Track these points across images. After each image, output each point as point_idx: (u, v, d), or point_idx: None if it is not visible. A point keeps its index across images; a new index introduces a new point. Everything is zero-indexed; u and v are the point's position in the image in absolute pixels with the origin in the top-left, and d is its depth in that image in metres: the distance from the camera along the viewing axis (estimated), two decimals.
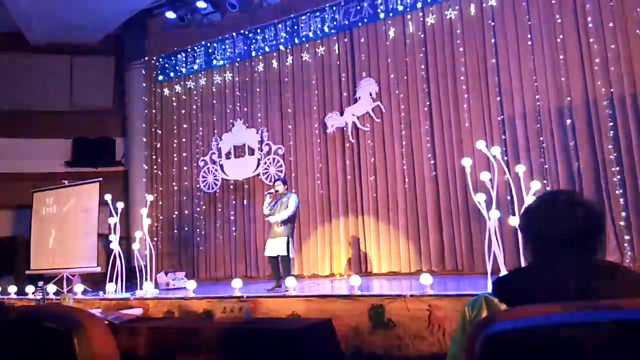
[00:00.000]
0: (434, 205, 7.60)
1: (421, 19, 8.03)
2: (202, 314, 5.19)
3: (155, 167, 10.54)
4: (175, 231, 10.11)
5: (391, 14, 8.23)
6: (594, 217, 1.38)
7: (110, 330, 1.36)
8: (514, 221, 5.08)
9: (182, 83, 10.52)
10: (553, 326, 0.93)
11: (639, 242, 6.13)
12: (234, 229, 9.47)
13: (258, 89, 9.58)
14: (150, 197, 8.37)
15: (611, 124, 6.45)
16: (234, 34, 9.79)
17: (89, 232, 8.83)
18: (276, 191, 6.50)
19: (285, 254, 6.15)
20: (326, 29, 8.82)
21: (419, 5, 7.98)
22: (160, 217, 10.26)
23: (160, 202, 10.29)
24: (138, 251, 7.16)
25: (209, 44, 10.10)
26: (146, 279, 6.70)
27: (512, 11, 7.30)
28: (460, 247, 7.29)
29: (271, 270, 6.52)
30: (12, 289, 7.32)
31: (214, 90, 10.11)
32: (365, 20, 8.45)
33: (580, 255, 1.33)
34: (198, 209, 9.94)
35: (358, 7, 8.52)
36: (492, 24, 7.45)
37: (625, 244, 6.20)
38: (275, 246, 6.24)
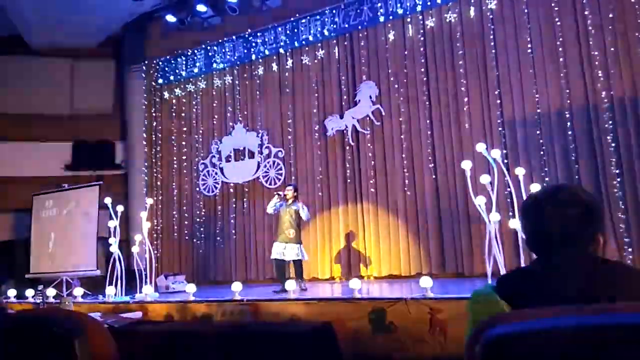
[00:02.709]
0: (434, 208, 7.60)
1: (421, 22, 8.04)
2: (202, 317, 5.18)
3: (155, 170, 10.53)
4: (175, 235, 10.09)
5: (391, 17, 8.24)
6: (589, 215, 1.36)
7: (110, 334, 1.35)
8: (514, 224, 5.08)
9: (182, 86, 10.52)
10: (551, 330, 0.93)
11: (639, 245, 6.12)
12: (233, 232, 9.46)
13: (258, 92, 9.58)
14: (150, 201, 8.38)
15: (611, 126, 6.45)
16: (234, 37, 9.80)
17: (88, 236, 8.82)
18: (284, 195, 6.68)
19: (301, 258, 6.55)
20: (326, 32, 8.83)
21: (419, 8, 7.99)
22: (160, 221, 10.25)
23: (160, 206, 10.28)
24: (138, 254, 7.16)
25: (209, 48, 10.11)
26: (146, 282, 6.69)
27: (512, 14, 7.32)
28: (461, 249, 7.28)
29: (277, 274, 6.65)
30: (12, 292, 7.31)
31: (214, 93, 10.11)
32: (365, 23, 8.46)
33: (578, 253, 1.33)
34: (198, 212, 9.93)
35: (358, 11, 8.53)
36: (492, 27, 7.46)
37: (626, 247, 6.20)
38: (289, 251, 6.48)
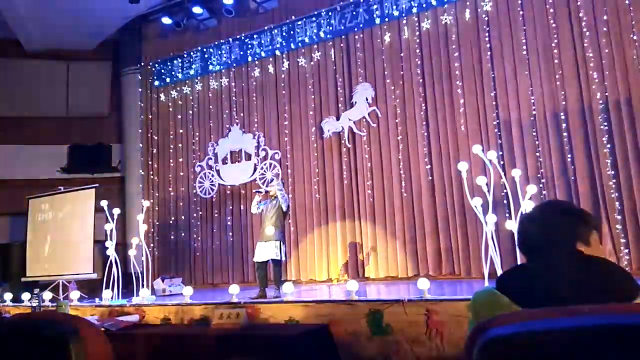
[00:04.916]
0: (430, 209, 7.61)
1: (416, 24, 8.06)
2: (199, 320, 5.17)
3: (151, 172, 10.52)
4: (172, 237, 10.08)
5: (387, 19, 8.27)
6: (567, 219, 1.48)
7: (107, 337, 1.35)
8: (511, 225, 5.09)
9: (178, 88, 10.52)
10: (549, 331, 0.93)
11: (635, 246, 6.15)
12: (230, 234, 9.45)
13: (254, 94, 9.59)
14: (146, 203, 8.34)
15: (606, 128, 6.48)
16: (230, 39, 9.80)
17: (85, 239, 8.80)
18: (267, 192, 6.40)
19: (277, 258, 5.88)
20: (322, 34, 8.84)
21: (414, 10, 8.02)
22: (157, 223, 10.23)
23: (157, 208, 10.26)
24: (134, 257, 7.14)
25: (205, 50, 10.11)
26: (143, 285, 6.67)
27: (507, 16, 7.34)
28: (457, 251, 7.29)
29: (257, 277, 6.12)
30: (8, 296, 7.28)
31: (210, 95, 10.11)
32: (361, 25, 8.48)
33: (562, 253, 1.41)
34: (195, 215, 9.92)
35: (354, 13, 8.55)
36: (487, 29, 7.49)
37: (622, 247, 6.22)
38: (266, 250, 5.93)
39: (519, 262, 5.22)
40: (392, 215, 7.91)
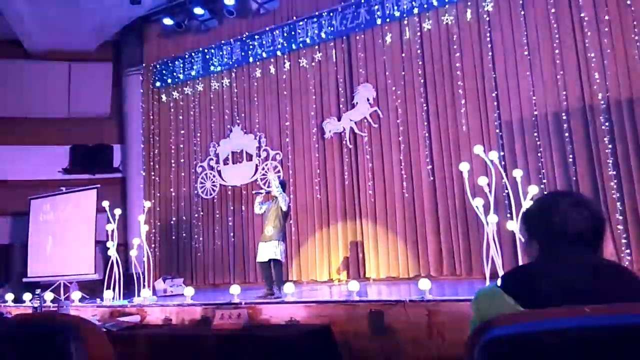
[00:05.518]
0: (432, 210, 7.60)
1: (418, 24, 8.06)
2: (200, 320, 5.17)
3: (152, 173, 10.53)
4: (173, 237, 10.08)
5: (388, 20, 8.26)
6: (599, 218, 1.44)
7: (108, 338, 1.35)
8: (512, 226, 5.08)
9: (179, 89, 10.53)
10: (551, 331, 0.93)
11: (637, 246, 6.14)
12: (232, 234, 9.45)
13: (256, 95, 9.59)
14: (147, 204, 8.36)
15: (608, 128, 6.48)
16: (232, 40, 9.81)
17: (86, 239, 8.80)
18: (268, 192, 6.43)
19: (277, 257, 5.90)
20: (323, 35, 8.84)
21: (416, 11, 8.01)
22: (158, 224, 10.24)
23: (158, 209, 10.27)
24: (136, 258, 7.14)
25: (206, 50, 10.11)
26: (144, 285, 6.67)
27: (509, 16, 7.34)
28: (459, 251, 7.28)
29: (263, 277, 6.21)
30: (9, 296, 7.29)
31: (212, 96, 10.12)
32: (362, 25, 8.47)
33: (584, 254, 1.38)
34: (196, 215, 9.93)
35: (355, 13, 8.54)
36: (489, 29, 7.49)
37: (623, 248, 6.21)
38: (266, 250, 5.98)
39: (520, 263, 5.23)
40: (393, 216, 7.90)
